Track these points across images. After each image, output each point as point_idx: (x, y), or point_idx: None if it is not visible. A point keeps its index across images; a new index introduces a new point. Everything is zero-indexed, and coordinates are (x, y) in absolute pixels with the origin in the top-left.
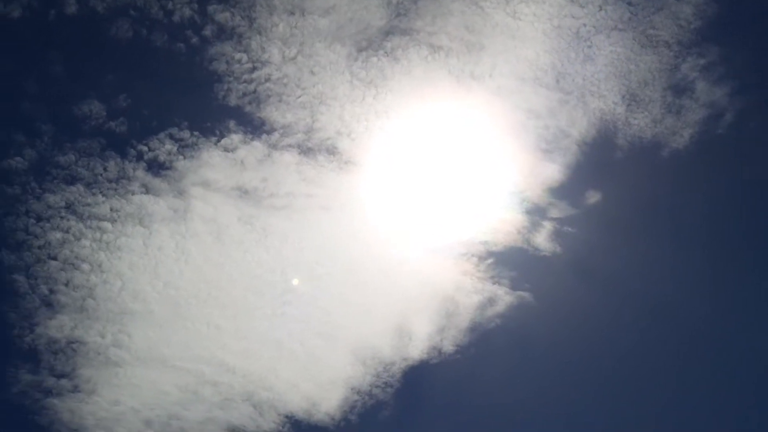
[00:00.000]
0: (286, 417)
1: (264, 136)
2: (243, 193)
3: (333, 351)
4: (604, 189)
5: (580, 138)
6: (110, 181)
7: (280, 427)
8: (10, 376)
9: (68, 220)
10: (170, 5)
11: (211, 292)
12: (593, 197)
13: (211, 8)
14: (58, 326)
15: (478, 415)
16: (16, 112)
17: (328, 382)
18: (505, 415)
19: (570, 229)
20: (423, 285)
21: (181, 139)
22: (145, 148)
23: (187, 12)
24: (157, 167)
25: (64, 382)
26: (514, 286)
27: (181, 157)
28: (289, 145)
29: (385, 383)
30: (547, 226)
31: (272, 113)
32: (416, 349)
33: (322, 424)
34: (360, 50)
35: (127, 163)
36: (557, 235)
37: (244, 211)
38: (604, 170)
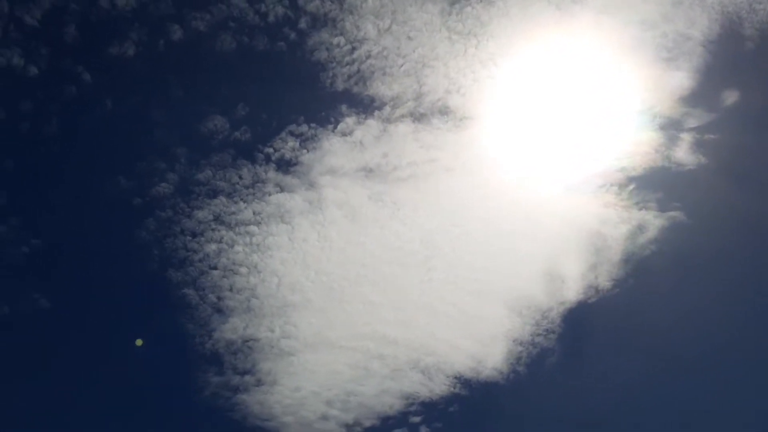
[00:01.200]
0: (455, 378)
1: (376, 112)
2: (368, 172)
3: (487, 307)
4: (740, 85)
5: (703, 37)
6: (247, 188)
7: (452, 388)
8: (201, 381)
9: (219, 231)
10: (263, 8)
11: (359, 271)
12: (730, 97)
13: (301, 1)
14: (231, 329)
15: (649, 346)
16: (152, 143)
17: (488, 338)
18: (678, 340)
19: (711, 135)
20: (566, 225)
21: (301, 134)
22: (271, 150)
23: (280, 10)
24: (285, 165)
25: (248, 378)
26: (662, 208)
27: (304, 150)
28: (402, 116)
29: (547, 330)
30: (686, 137)
31: (379, 88)
32: (571, 291)
33: (491, 379)
34: (452, 3)
35: (258, 167)
36: (699, 145)
37: (372, 189)
38: (735, 66)
